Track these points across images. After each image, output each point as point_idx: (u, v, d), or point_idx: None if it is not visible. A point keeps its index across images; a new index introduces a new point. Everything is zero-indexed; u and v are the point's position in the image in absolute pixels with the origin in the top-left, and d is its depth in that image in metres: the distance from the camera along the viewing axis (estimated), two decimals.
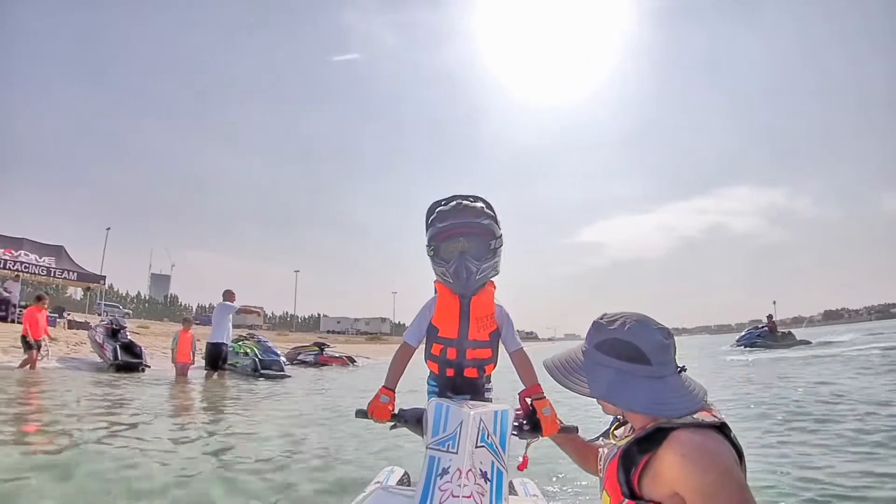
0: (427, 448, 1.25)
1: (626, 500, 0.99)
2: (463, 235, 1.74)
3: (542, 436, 1.52)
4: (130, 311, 45.20)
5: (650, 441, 0.98)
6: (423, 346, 1.89)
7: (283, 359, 12.28)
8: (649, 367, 1.04)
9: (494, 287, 1.87)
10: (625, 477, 1.00)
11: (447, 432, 1.23)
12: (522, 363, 1.75)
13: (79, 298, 22.71)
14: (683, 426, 0.96)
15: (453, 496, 1.07)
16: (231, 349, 10.47)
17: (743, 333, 22.46)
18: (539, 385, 1.65)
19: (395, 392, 1.68)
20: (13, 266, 17.51)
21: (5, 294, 16.58)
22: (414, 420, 1.53)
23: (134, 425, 4.83)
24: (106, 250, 31.51)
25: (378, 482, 1.66)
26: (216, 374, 9.29)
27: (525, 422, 1.55)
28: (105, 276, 23.26)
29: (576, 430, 1.54)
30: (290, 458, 3.87)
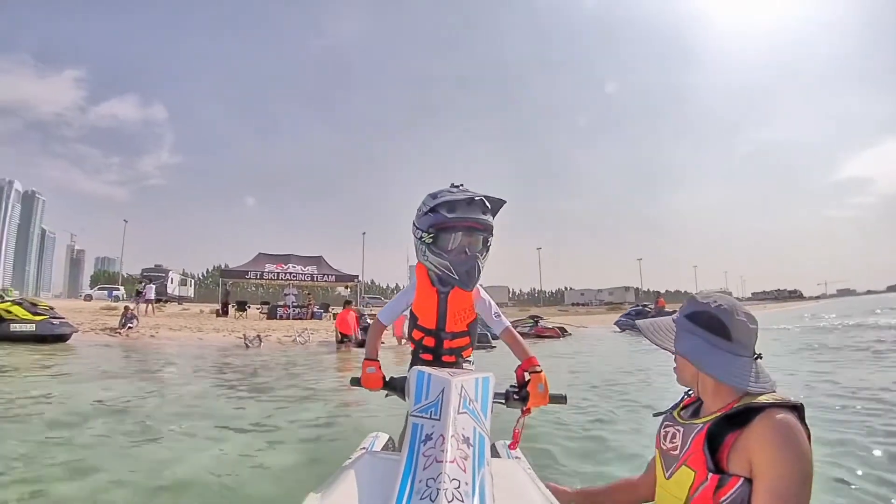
0: (410, 415, 1.20)
1: (711, 475, 1.06)
2: (472, 230, 1.71)
3: (527, 406, 1.57)
4: None
5: (738, 419, 1.07)
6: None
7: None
8: (730, 343, 1.15)
9: None
10: (711, 453, 1.08)
11: (429, 399, 1.19)
12: (513, 341, 1.80)
13: (346, 295, 27.08)
14: (774, 406, 1.06)
15: (437, 461, 1.01)
16: None
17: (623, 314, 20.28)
18: (534, 358, 1.68)
19: (378, 361, 1.73)
20: (284, 277, 22.06)
21: (290, 299, 21.65)
22: (402, 388, 1.54)
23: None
24: (365, 251, 39.16)
25: (364, 448, 1.67)
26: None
27: (513, 389, 1.59)
28: (358, 276, 27.54)
29: (564, 398, 1.62)
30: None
